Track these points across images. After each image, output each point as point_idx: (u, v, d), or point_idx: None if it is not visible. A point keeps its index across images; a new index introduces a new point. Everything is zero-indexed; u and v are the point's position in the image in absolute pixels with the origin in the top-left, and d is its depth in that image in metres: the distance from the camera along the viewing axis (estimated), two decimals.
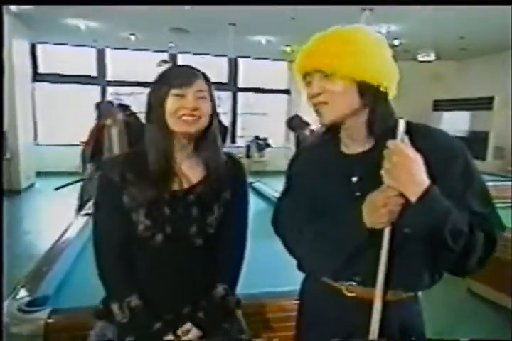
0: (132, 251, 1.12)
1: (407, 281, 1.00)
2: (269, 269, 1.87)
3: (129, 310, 1.06)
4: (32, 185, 7.40)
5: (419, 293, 1.09)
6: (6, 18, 5.70)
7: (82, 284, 1.72)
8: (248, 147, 9.82)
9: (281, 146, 9.92)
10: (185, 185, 1.12)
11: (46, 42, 8.57)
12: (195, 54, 9.05)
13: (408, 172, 0.88)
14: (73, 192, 4.43)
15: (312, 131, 4.70)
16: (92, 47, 8.72)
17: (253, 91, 10.34)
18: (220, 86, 9.53)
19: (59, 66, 8.92)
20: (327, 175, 1.06)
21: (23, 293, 1.53)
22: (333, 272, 1.05)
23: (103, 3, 5.23)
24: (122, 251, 1.11)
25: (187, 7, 5.33)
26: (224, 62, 9.67)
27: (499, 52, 7.72)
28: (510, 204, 3.41)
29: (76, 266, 1.94)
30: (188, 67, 1.16)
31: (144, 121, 1.16)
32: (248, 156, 9.70)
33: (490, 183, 4.39)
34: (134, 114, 4.40)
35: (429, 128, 1.00)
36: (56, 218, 4.74)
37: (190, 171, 1.14)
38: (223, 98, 10.03)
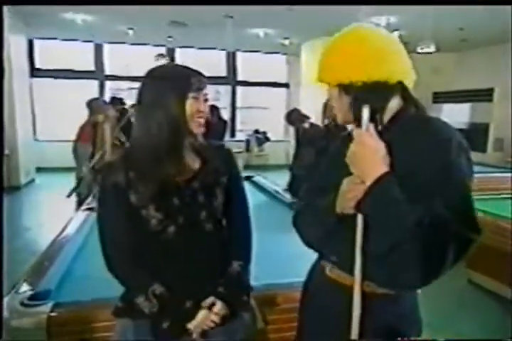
0: (145, 244, 1.15)
1: (383, 275, 1.00)
2: (274, 261, 1.88)
3: (156, 298, 1.10)
4: (32, 181, 7.40)
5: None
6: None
7: (83, 278, 1.74)
8: (248, 141, 9.81)
9: (281, 140, 9.92)
10: (189, 175, 1.17)
11: (44, 38, 8.52)
12: (193, 47, 8.99)
13: (365, 160, 0.92)
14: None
15: (312, 124, 4.69)
16: (90, 41, 8.68)
17: (252, 85, 10.30)
18: (219, 80, 9.51)
19: (57, 61, 8.88)
20: (338, 161, 1.07)
21: (25, 287, 1.54)
22: (316, 249, 1.14)
23: (103, 3, 5.22)
24: (135, 246, 1.14)
25: None
26: (222, 55, 9.63)
27: (499, 44, 7.68)
28: (510, 196, 3.41)
29: (77, 260, 1.95)
30: (188, 67, 1.19)
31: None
32: (248, 150, 9.70)
33: (489, 175, 4.38)
34: (125, 108, 4.43)
35: (430, 122, 1.00)
36: (56, 213, 4.75)
37: (190, 161, 1.19)
38: (222, 92, 10.01)
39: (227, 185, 1.23)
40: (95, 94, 8.52)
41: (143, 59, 8.76)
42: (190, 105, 1.11)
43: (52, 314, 1.35)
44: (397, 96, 1.01)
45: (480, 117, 8.02)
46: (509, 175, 4.55)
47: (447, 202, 0.89)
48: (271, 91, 10.54)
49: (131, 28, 7.29)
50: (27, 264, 1.89)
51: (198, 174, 1.18)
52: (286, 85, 10.38)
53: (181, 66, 1.20)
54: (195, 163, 1.20)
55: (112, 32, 7.63)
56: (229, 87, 10.02)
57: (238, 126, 10.41)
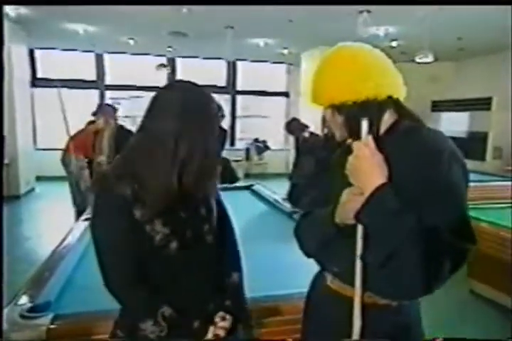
0: (145, 262, 1.08)
1: (382, 286, 1.00)
2: (273, 271, 1.87)
3: (165, 321, 1.04)
4: (32, 190, 7.40)
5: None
6: (4, 24, 5.71)
7: (83, 289, 1.72)
8: (247, 150, 9.83)
9: (281, 149, 9.94)
10: (192, 186, 1.13)
11: (45, 48, 8.59)
12: (193, 57, 9.05)
13: (363, 172, 0.94)
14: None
15: (311, 133, 4.71)
16: (91, 51, 8.74)
17: (252, 94, 10.35)
18: (219, 89, 9.55)
19: (58, 71, 8.93)
20: (338, 171, 1.08)
21: (24, 299, 1.53)
22: (316, 259, 1.14)
23: (102, 4, 5.22)
24: (137, 266, 1.06)
25: (184, 10, 5.33)
26: (222, 65, 9.69)
27: (497, 53, 7.73)
28: (509, 205, 3.41)
29: (78, 270, 1.94)
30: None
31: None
32: (248, 159, 9.71)
33: (488, 183, 4.37)
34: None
35: (423, 133, 1.00)
36: (56, 223, 4.74)
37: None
38: (222, 101, 10.04)
39: (217, 197, 1.24)
40: (95, 104, 8.55)
41: (144, 69, 8.82)
42: None
43: (52, 326, 1.34)
44: (391, 109, 1.02)
45: (479, 126, 8.05)
46: (508, 183, 4.54)
47: (440, 213, 0.90)
48: (271, 100, 10.59)
49: (132, 38, 7.35)
50: (27, 274, 1.88)
51: (200, 185, 1.16)
52: (285, 94, 10.43)
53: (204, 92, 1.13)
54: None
55: (112, 42, 7.69)
56: (229, 96, 10.07)
57: (238, 134, 10.44)
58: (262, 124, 10.75)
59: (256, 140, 9.90)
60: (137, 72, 9.14)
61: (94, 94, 9.17)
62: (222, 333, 1.11)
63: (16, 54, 6.70)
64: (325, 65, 1.04)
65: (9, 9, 5.32)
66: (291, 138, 5.60)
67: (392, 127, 1.02)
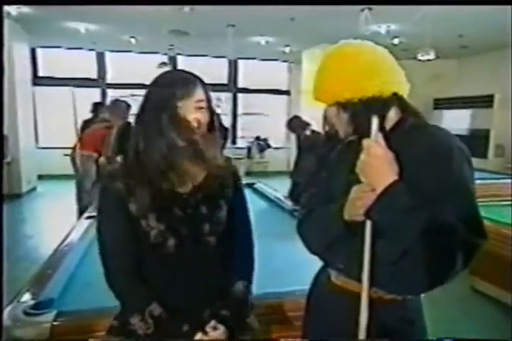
0: (144, 259, 1.11)
1: (391, 282, 1.00)
2: (275, 269, 1.88)
3: (153, 319, 1.05)
4: (34, 189, 7.41)
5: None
6: (6, 23, 5.71)
7: (86, 287, 1.73)
8: (249, 148, 9.83)
9: (282, 147, 9.94)
10: (191, 185, 1.14)
11: (46, 47, 8.59)
12: (195, 55, 9.05)
13: (375, 169, 0.95)
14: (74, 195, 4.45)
15: (313, 131, 4.71)
16: (92, 50, 8.74)
17: (253, 92, 10.35)
18: (220, 87, 9.55)
19: (59, 69, 8.94)
20: (342, 168, 1.10)
21: (27, 296, 1.53)
22: (321, 256, 1.13)
23: (102, 3, 5.23)
24: (134, 261, 1.10)
25: (186, 9, 5.33)
26: (224, 63, 9.69)
27: (499, 50, 7.70)
28: (511, 202, 3.40)
29: (80, 268, 1.94)
30: (185, 72, 1.15)
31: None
32: (249, 157, 9.71)
33: (490, 181, 4.36)
34: None
35: (430, 130, 1.02)
36: (58, 221, 4.75)
37: (193, 171, 1.15)
38: (223, 99, 10.04)
39: (232, 198, 1.19)
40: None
41: (145, 67, 8.81)
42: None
43: (55, 323, 1.34)
44: (395, 106, 1.03)
45: (480, 123, 8.03)
46: (510, 181, 4.55)
47: (454, 209, 0.91)
48: (272, 98, 10.58)
49: (134, 37, 7.35)
50: (28, 272, 1.90)
51: (203, 185, 1.15)
52: (287, 92, 10.42)
53: (177, 73, 1.17)
54: (199, 174, 1.16)
55: (114, 40, 7.69)
56: (230, 94, 10.07)
57: (239, 132, 10.44)
58: (263, 122, 10.74)
59: (257, 138, 9.90)
60: (139, 70, 9.14)
61: (95, 93, 9.17)
62: None
63: (18, 52, 6.71)
64: (329, 62, 1.03)
65: (11, 8, 5.32)
66: (293, 136, 5.59)
67: (397, 125, 1.03)
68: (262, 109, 10.74)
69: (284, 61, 9.94)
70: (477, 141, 7.59)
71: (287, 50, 8.08)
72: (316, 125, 4.84)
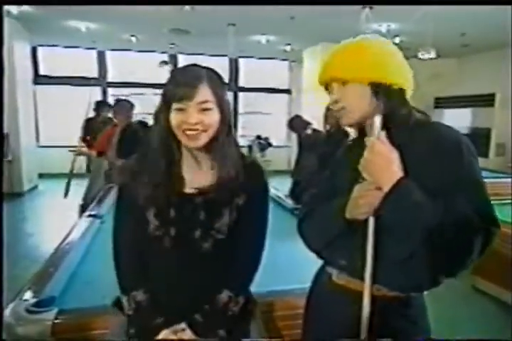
0: (146, 249, 1.15)
1: (396, 280, 1.01)
2: (275, 267, 1.88)
3: (135, 303, 1.11)
4: (35, 187, 7.42)
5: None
6: (6, 21, 5.72)
7: (87, 285, 1.74)
8: (250, 147, 9.82)
9: (283, 145, 9.93)
10: (193, 189, 1.12)
11: (47, 45, 8.59)
12: (195, 54, 9.04)
13: (380, 167, 0.94)
14: (76, 193, 4.45)
15: (314, 130, 4.71)
16: (93, 48, 8.74)
17: (254, 91, 10.34)
18: None
19: (60, 68, 8.94)
20: (343, 167, 1.10)
21: (29, 294, 1.54)
22: (323, 254, 1.13)
23: (102, 3, 5.22)
24: (137, 247, 1.15)
25: (187, 8, 5.33)
26: (225, 62, 9.68)
27: (500, 49, 7.69)
28: (511, 201, 3.40)
29: (81, 267, 1.95)
30: (193, 70, 1.13)
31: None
32: (250, 156, 9.68)
33: (492, 180, 4.34)
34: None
35: (434, 124, 1.03)
36: (59, 220, 4.76)
37: (200, 175, 1.13)
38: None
39: (243, 207, 1.13)
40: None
41: (146, 66, 8.81)
42: (174, 117, 1.05)
43: (56, 321, 1.35)
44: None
45: (481, 122, 8.02)
46: (511, 180, 4.54)
47: (468, 200, 0.92)
48: (273, 97, 10.58)
49: (134, 36, 7.35)
50: (29, 270, 1.90)
51: (207, 189, 1.11)
52: (288, 91, 10.42)
53: (185, 70, 1.14)
54: (207, 177, 1.12)
55: (114, 39, 7.69)
56: (231, 93, 10.06)
57: (240, 131, 10.43)
58: (264, 121, 10.73)
59: (258, 137, 9.88)
60: (139, 69, 9.14)
61: (95, 92, 9.16)
62: None
63: (19, 51, 6.71)
64: (343, 49, 1.05)
65: (11, 6, 5.32)
66: (294, 135, 5.59)
67: (404, 119, 1.03)
68: (262, 108, 10.73)
69: (285, 60, 9.93)
70: (478, 140, 7.57)
71: (288, 48, 8.07)
72: (317, 124, 4.84)
